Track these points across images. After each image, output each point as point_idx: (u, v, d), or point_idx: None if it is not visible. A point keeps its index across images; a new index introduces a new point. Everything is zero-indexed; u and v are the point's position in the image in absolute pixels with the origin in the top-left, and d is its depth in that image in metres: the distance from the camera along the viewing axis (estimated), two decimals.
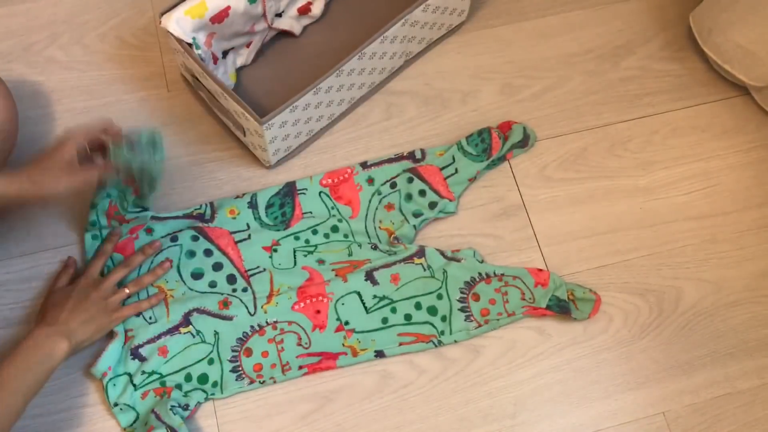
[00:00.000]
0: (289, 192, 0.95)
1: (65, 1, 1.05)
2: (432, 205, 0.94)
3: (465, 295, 0.90)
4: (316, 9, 1.04)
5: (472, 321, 0.89)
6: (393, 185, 0.96)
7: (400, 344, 0.88)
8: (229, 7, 0.90)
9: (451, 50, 1.06)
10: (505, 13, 1.09)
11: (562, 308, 0.90)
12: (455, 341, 0.89)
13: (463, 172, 0.96)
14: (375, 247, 0.92)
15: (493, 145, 0.96)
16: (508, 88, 1.04)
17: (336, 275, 0.91)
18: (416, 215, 0.94)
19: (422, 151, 0.97)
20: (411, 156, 0.97)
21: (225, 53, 0.98)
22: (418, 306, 0.90)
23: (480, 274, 0.91)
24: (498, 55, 1.06)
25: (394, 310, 0.90)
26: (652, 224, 0.98)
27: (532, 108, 1.03)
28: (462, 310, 0.90)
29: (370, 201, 0.95)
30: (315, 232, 0.93)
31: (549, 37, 1.08)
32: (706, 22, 1.03)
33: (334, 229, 0.93)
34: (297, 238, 0.93)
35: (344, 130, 1.00)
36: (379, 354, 0.88)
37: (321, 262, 0.91)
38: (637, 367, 0.91)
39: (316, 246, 0.92)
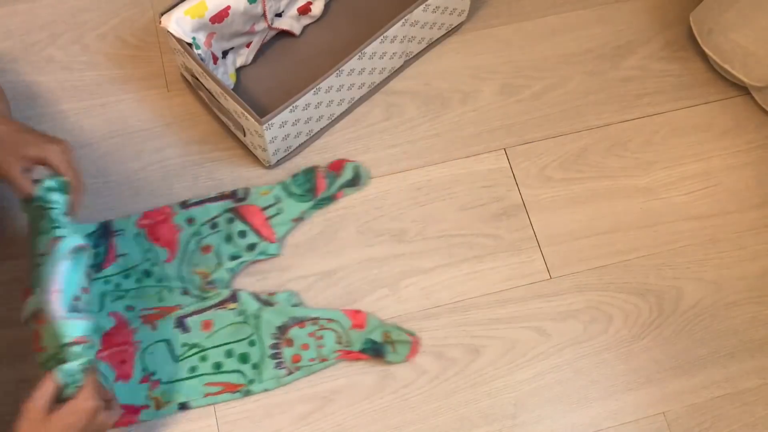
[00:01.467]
0: (105, 233, 0.91)
1: (65, 1, 1.05)
2: (251, 247, 0.91)
3: (278, 341, 0.87)
4: (316, 9, 1.04)
5: (283, 368, 0.86)
6: (214, 225, 0.92)
7: (206, 395, 0.85)
8: (229, 7, 0.90)
9: (451, 50, 1.06)
10: (505, 13, 1.09)
11: (376, 351, 0.88)
12: (266, 389, 0.86)
13: (288, 213, 0.93)
14: (186, 292, 0.89)
15: (317, 185, 0.95)
16: (508, 88, 1.04)
17: (143, 322, 0.87)
18: (233, 257, 0.91)
19: (246, 190, 0.94)
20: (233, 195, 0.94)
21: (225, 53, 0.98)
22: (229, 353, 0.87)
23: (294, 317, 0.88)
24: (498, 55, 1.06)
25: (204, 359, 0.86)
26: (652, 224, 0.98)
27: (532, 108, 1.03)
28: (273, 356, 0.87)
29: (188, 243, 0.91)
30: (127, 276, 0.89)
31: (549, 37, 1.08)
32: (706, 22, 1.03)
33: (147, 273, 0.89)
34: (107, 282, 0.88)
35: (344, 130, 1.00)
36: (184, 406, 0.85)
37: (130, 308, 0.87)
38: (637, 367, 0.91)
39: (127, 291, 0.88)
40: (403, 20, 0.91)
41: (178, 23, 0.86)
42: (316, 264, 0.93)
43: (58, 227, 0.76)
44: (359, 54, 0.89)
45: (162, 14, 0.87)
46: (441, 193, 0.98)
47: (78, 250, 0.77)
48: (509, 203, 0.98)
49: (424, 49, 1.04)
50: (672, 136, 1.03)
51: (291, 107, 0.86)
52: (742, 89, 1.06)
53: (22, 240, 0.92)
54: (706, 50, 1.03)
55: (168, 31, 0.86)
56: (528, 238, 0.96)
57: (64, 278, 0.74)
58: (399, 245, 0.95)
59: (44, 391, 0.70)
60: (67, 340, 0.71)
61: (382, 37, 0.91)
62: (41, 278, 0.74)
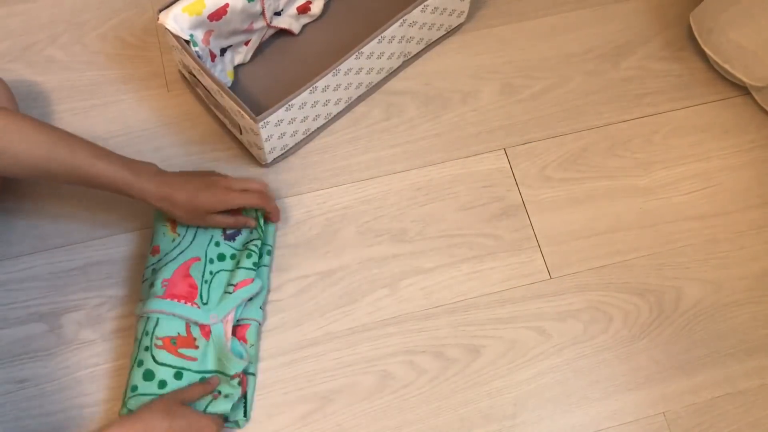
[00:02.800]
0: None
1: (65, 1, 1.05)
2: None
3: None
4: (316, 8, 1.04)
5: None
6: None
7: None
8: (227, 5, 0.90)
9: (451, 50, 1.06)
10: (505, 13, 1.09)
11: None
12: None
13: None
14: None
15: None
16: (508, 88, 1.04)
17: None
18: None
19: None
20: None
21: (223, 51, 0.98)
22: None
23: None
24: (498, 55, 1.06)
25: None
26: (652, 224, 0.98)
27: (532, 108, 1.03)
28: None
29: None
30: None
31: (549, 37, 1.08)
32: (707, 22, 1.03)
33: None
34: None
35: (344, 130, 1.00)
36: None
37: None
38: (637, 367, 0.91)
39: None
40: (401, 21, 0.91)
41: (176, 20, 0.86)
42: (316, 264, 0.93)
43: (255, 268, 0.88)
44: (356, 54, 0.89)
45: (160, 11, 0.87)
46: (441, 193, 0.98)
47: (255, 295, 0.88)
48: (509, 203, 0.98)
49: (424, 49, 1.04)
50: (672, 136, 1.03)
51: (287, 106, 0.86)
52: (742, 89, 1.06)
53: (19, 241, 0.92)
54: (706, 50, 1.03)
55: (165, 28, 0.86)
56: (528, 238, 0.96)
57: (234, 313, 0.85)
58: (399, 245, 0.95)
59: (194, 390, 0.80)
60: (232, 372, 0.82)
61: (380, 37, 0.90)
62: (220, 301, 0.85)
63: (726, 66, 1.02)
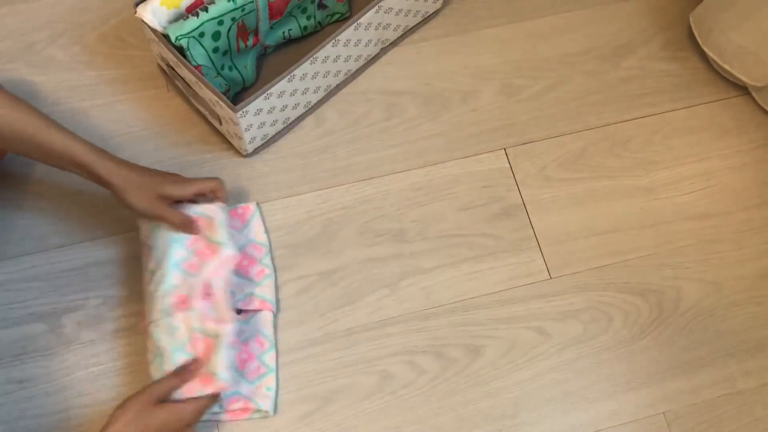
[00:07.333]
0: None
1: (65, 1, 1.05)
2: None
3: None
4: None
5: None
6: None
7: None
8: None
9: (451, 50, 1.06)
10: (505, 13, 1.09)
11: None
12: None
13: None
14: None
15: None
16: (508, 88, 1.04)
17: None
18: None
19: None
20: None
21: None
22: None
23: None
24: (498, 55, 1.06)
25: None
26: (652, 224, 0.98)
27: (532, 108, 1.03)
28: None
29: None
30: None
31: (549, 37, 1.08)
32: (706, 22, 1.03)
33: None
34: None
35: (344, 130, 1.00)
36: None
37: None
38: (637, 367, 0.91)
39: None
40: (377, 7, 0.91)
41: (154, 14, 0.86)
42: (316, 264, 0.93)
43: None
44: (333, 41, 0.89)
45: (137, 4, 0.87)
46: (441, 193, 0.98)
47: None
48: (509, 203, 0.98)
49: (424, 48, 1.04)
50: (672, 136, 1.03)
51: (265, 94, 0.86)
52: (742, 89, 1.06)
53: (19, 241, 0.92)
54: (706, 50, 1.03)
55: (143, 21, 0.86)
56: (528, 238, 0.96)
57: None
58: (399, 245, 0.95)
59: (164, 385, 0.77)
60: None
61: (356, 24, 0.90)
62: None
63: (726, 66, 1.02)
